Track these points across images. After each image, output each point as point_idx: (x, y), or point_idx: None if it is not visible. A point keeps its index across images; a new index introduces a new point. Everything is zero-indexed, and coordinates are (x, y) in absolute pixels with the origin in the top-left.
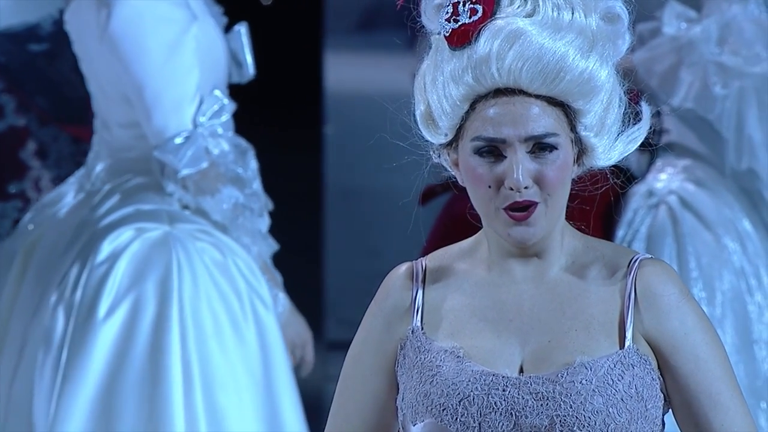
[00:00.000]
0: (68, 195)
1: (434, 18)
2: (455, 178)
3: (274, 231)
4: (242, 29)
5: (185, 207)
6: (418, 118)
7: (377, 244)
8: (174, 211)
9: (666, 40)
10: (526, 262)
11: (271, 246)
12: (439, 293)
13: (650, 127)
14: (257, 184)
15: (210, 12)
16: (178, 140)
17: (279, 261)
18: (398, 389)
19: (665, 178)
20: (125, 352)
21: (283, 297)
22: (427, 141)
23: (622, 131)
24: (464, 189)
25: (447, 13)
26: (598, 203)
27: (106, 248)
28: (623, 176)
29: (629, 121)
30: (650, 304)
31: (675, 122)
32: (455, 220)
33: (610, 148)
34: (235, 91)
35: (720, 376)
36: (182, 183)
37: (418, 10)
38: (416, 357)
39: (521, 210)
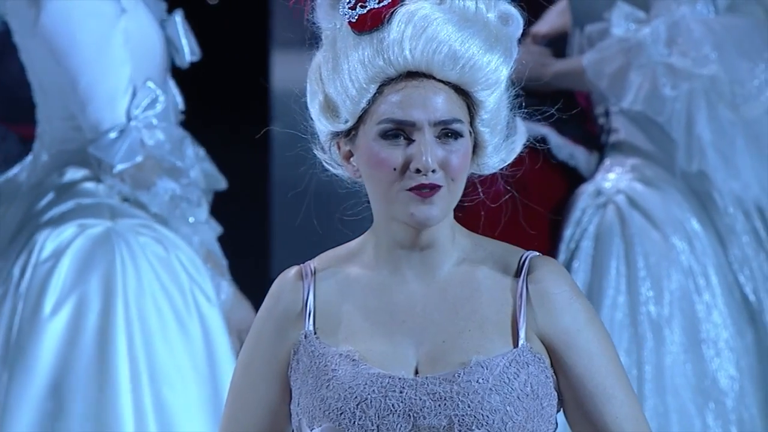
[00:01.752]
0: (21, 187)
1: (329, 13)
2: (339, 176)
3: (221, 230)
4: (177, 16)
5: (125, 199)
6: (315, 109)
7: (325, 244)
8: (115, 206)
9: (615, 42)
10: (417, 261)
11: (215, 229)
12: (330, 296)
13: (527, 141)
14: (195, 172)
15: (144, 1)
16: (113, 135)
17: (226, 260)
18: (291, 394)
19: (613, 177)
20: (72, 349)
21: (226, 285)
22: (317, 138)
23: (506, 138)
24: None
25: (350, 2)
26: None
27: (50, 245)
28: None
29: (512, 130)
30: (543, 302)
31: (624, 121)
32: None
33: (497, 152)
34: (181, 88)
35: (612, 370)
36: (119, 176)
37: (310, 8)
38: (311, 362)
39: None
